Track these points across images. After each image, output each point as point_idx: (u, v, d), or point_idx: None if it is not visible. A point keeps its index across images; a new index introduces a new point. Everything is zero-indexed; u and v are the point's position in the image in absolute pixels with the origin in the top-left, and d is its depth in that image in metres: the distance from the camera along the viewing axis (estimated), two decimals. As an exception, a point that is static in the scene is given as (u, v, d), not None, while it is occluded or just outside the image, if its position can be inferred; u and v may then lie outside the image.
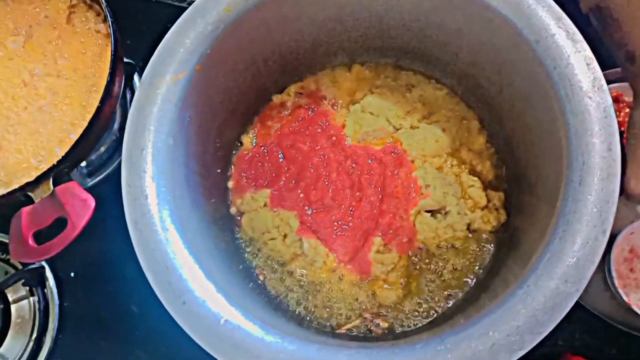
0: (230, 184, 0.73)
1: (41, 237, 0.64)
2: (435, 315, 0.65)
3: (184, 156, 0.57)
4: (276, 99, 0.76)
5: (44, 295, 0.78)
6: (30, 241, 0.62)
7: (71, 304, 0.79)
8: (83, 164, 0.84)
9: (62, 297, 0.79)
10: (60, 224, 0.64)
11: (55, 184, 0.66)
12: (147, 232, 0.50)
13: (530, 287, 0.45)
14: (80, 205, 0.63)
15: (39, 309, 0.77)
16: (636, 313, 0.67)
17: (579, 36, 0.50)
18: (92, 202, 0.64)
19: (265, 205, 0.70)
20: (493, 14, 0.54)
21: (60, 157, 0.65)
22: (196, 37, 0.56)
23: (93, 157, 0.85)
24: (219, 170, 0.71)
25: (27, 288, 0.78)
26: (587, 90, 0.48)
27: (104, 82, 0.69)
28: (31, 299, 0.78)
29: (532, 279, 0.45)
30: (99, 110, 0.68)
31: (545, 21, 0.51)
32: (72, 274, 0.81)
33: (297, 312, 0.66)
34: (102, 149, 0.85)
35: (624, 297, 0.68)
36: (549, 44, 0.50)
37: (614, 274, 0.70)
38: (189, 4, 0.58)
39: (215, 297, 0.48)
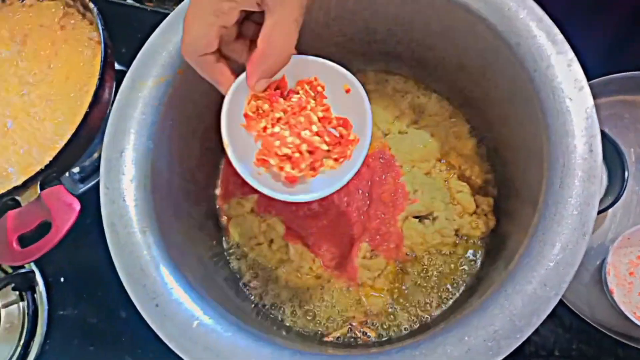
0: (218, 189, 0.72)
1: (26, 240, 0.64)
2: (423, 322, 0.64)
3: (167, 159, 0.57)
4: (265, 104, 0.75)
5: (34, 300, 0.78)
6: (15, 244, 0.62)
7: (60, 309, 0.79)
8: (76, 169, 0.85)
9: (51, 302, 0.79)
10: (45, 227, 0.64)
11: (42, 189, 0.66)
12: (124, 235, 0.49)
13: (509, 292, 0.44)
14: (65, 209, 0.64)
15: (28, 313, 0.77)
16: (634, 323, 0.65)
17: (560, 37, 0.49)
18: (77, 206, 0.64)
19: (252, 210, 0.70)
20: (474, 17, 0.53)
21: (47, 162, 0.66)
22: (179, 41, 0.56)
23: (86, 163, 0.85)
24: (207, 175, 0.71)
25: (17, 293, 0.78)
26: (568, 92, 0.48)
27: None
28: (21, 303, 0.78)
29: (510, 283, 0.44)
30: (87, 115, 0.69)
31: (526, 23, 0.50)
32: (62, 279, 0.81)
33: (281, 319, 0.66)
34: (95, 155, 0.86)
35: (621, 306, 0.66)
36: (530, 46, 0.50)
37: (609, 282, 0.68)
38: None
39: (189, 301, 0.47)
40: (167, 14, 0.57)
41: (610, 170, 0.75)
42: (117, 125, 0.53)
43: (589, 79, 0.48)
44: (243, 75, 0.45)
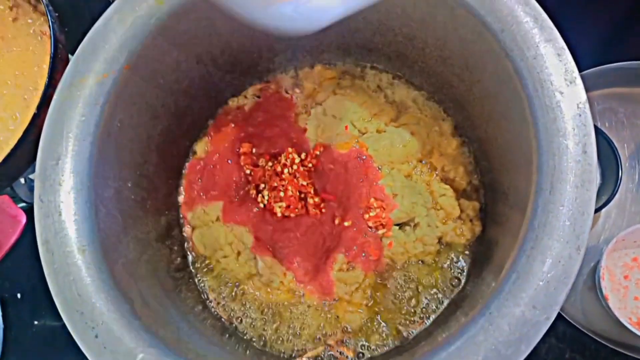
0: (181, 197, 0.67)
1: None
2: (404, 341, 0.59)
3: (115, 166, 0.51)
4: (232, 102, 0.70)
5: (-13, 319, 0.72)
6: (-49, 262, 0.56)
7: (17, 327, 0.73)
8: (32, 176, 0.78)
9: (7, 320, 0.73)
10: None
11: (-12, 198, 0.60)
12: (60, 254, 0.44)
13: (493, 314, 0.38)
14: (9, 221, 0.58)
15: (-20, 333, 0.71)
16: (631, 331, 0.61)
17: (548, 23, 0.44)
18: (22, 219, 0.58)
19: (217, 219, 0.64)
20: (454, 1, 0.48)
21: (-9, 169, 0.60)
22: (124, 32, 0.50)
23: (44, 168, 0.79)
24: (167, 182, 0.65)
25: (-32, 311, 0.72)
26: (558, 84, 0.42)
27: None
28: (-28, 323, 0.72)
29: (495, 304, 0.39)
30: (35, 117, 0.63)
31: (511, 7, 0.44)
32: (19, 295, 0.75)
33: (251, 339, 0.60)
34: (53, 160, 0.79)
35: (616, 313, 0.62)
36: (515, 33, 0.44)
37: (604, 287, 0.63)
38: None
39: (134, 330, 0.42)
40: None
41: (604, 168, 0.71)
42: (53, 129, 0.47)
43: (580, 70, 0.43)
44: None
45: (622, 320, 0.61)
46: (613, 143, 0.69)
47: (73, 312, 0.42)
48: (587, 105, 0.41)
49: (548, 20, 0.44)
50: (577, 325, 0.65)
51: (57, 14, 0.68)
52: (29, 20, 0.73)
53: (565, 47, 0.43)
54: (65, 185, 0.46)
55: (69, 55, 0.70)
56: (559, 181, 0.40)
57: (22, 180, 0.79)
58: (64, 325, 0.67)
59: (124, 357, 0.40)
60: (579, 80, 0.42)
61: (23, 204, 0.74)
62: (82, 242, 0.44)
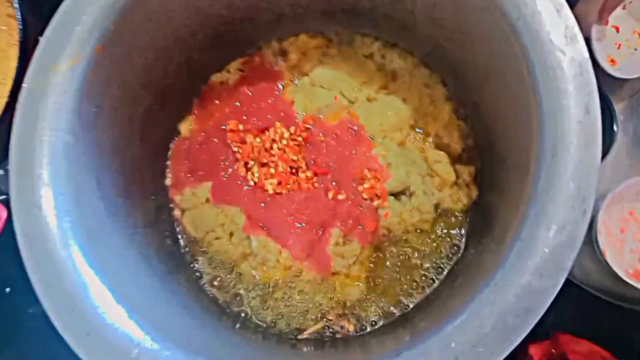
0: (168, 179, 0.64)
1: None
2: (405, 309, 0.58)
3: (95, 153, 0.49)
4: (215, 78, 0.67)
5: (-24, 315, 0.70)
6: None
7: (12, 318, 0.72)
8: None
9: (1, 313, 0.71)
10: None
11: (-35, 194, 0.58)
12: (43, 251, 0.41)
13: (498, 285, 0.37)
14: (-11, 217, 0.56)
15: (-29, 331, 0.69)
16: (628, 283, 0.60)
17: (545, -23, 0.41)
18: (3, 214, 0.56)
19: (207, 200, 0.62)
20: (443, -42, 0.45)
21: (-36, 163, 0.57)
22: (94, 11, 0.46)
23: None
24: (153, 164, 0.63)
25: (-44, 309, 0.70)
26: (558, 42, 0.40)
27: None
28: (-39, 320, 0.70)
29: (500, 274, 0.38)
30: (8, 105, 0.60)
31: (505, -38, 0.42)
32: (7, 290, 0.73)
33: (249, 319, 0.59)
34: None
35: (614, 267, 0.61)
36: (510, -11, 0.41)
37: (600, 242, 0.63)
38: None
39: (127, 325, 0.40)
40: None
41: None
42: (25, 120, 0.44)
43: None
44: None
45: (619, 273, 0.61)
46: (608, 97, 0.67)
47: (62, 311, 0.40)
48: (589, 63, 0.39)
49: (546, -26, 0.41)
50: (574, 281, 0.65)
51: (26, -5, 0.64)
52: (-2, 4, 0.68)
53: (564, 2, 0.40)
54: (42, 178, 0.43)
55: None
56: (561, 144, 0.38)
57: (1, 171, 0.76)
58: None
59: (119, 353, 0.39)
60: (580, 37, 0.40)
61: (4, 197, 0.71)
62: (66, 237, 0.42)
